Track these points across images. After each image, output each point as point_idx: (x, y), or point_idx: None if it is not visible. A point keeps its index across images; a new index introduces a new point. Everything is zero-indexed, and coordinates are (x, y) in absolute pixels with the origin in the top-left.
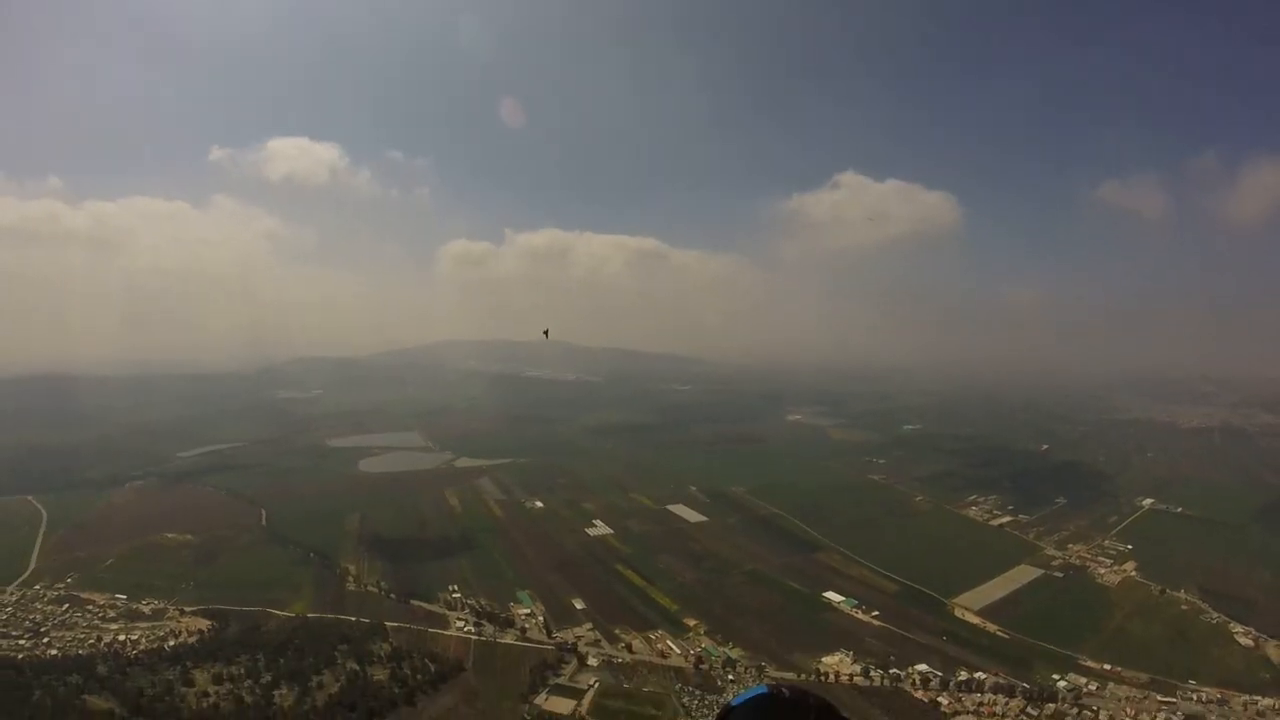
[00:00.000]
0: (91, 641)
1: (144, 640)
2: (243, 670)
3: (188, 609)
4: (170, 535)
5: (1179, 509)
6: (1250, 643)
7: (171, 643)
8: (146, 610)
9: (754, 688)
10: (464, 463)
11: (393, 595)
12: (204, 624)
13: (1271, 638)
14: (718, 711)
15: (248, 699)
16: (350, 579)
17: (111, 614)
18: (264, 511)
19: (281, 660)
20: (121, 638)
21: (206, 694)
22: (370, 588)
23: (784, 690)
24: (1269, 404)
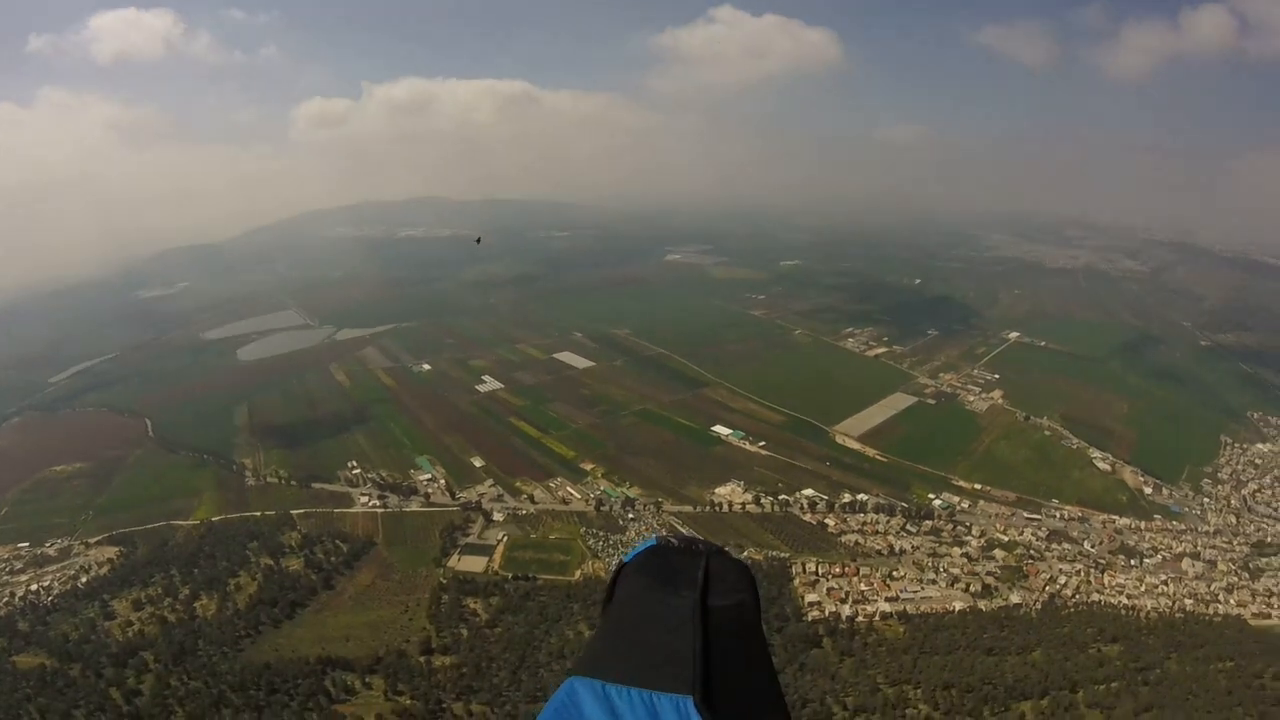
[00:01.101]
0: (5, 599)
1: (56, 584)
2: (160, 590)
3: (93, 540)
4: (59, 468)
5: (1043, 343)
6: (1108, 467)
7: (84, 579)
8: (52, 552)
9: (643, 542)
10: (346, 335)
11: (294, 482)
12: (112, 552)
13: (1127, 464)
14: (611, 571)
15: (171, 617)
16: (249, 474)
17: (18, 565)
18: (149, 422)
19: (195, 571)
20: (34, 586)
21: (130, 623)
22: (270, 479)
23: (672, 540)
24: (1131, 251)
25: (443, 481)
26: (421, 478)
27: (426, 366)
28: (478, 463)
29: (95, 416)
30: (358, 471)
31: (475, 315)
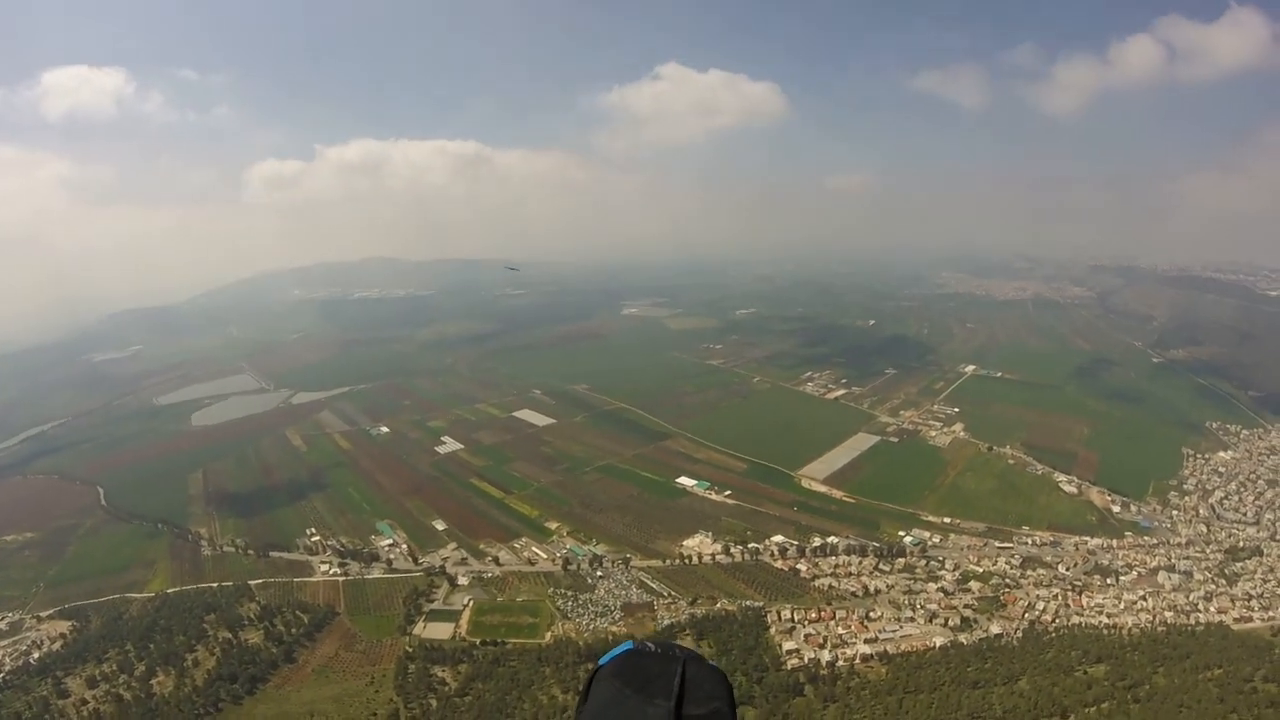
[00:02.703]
0: None
1: (8, 660)
2: (115, 666)
3: (45, 614)
4: (9, 538)
5: (999, 373)
6: (1074, 490)
7: (36, 655)
8: (3, 626)
9: (619, 645)
10: (302, 398)
11: (251, 551)
12: (65, 626)
13: (1093, 484)
14: (588, 674)
15: (126, 695)
16: (204, 543)
17: None
18: (101, 490)
19: (151, 645)
20: None
21: (84, 701)
22: (226, 548)
23: (649, 645)
24: (1078, 278)
25: (405, 546)
26: (383, 543)
27: (384, 429)
28: (440, 526)
29: (46, 484)
30: (317, 539)
31: (432, 375)
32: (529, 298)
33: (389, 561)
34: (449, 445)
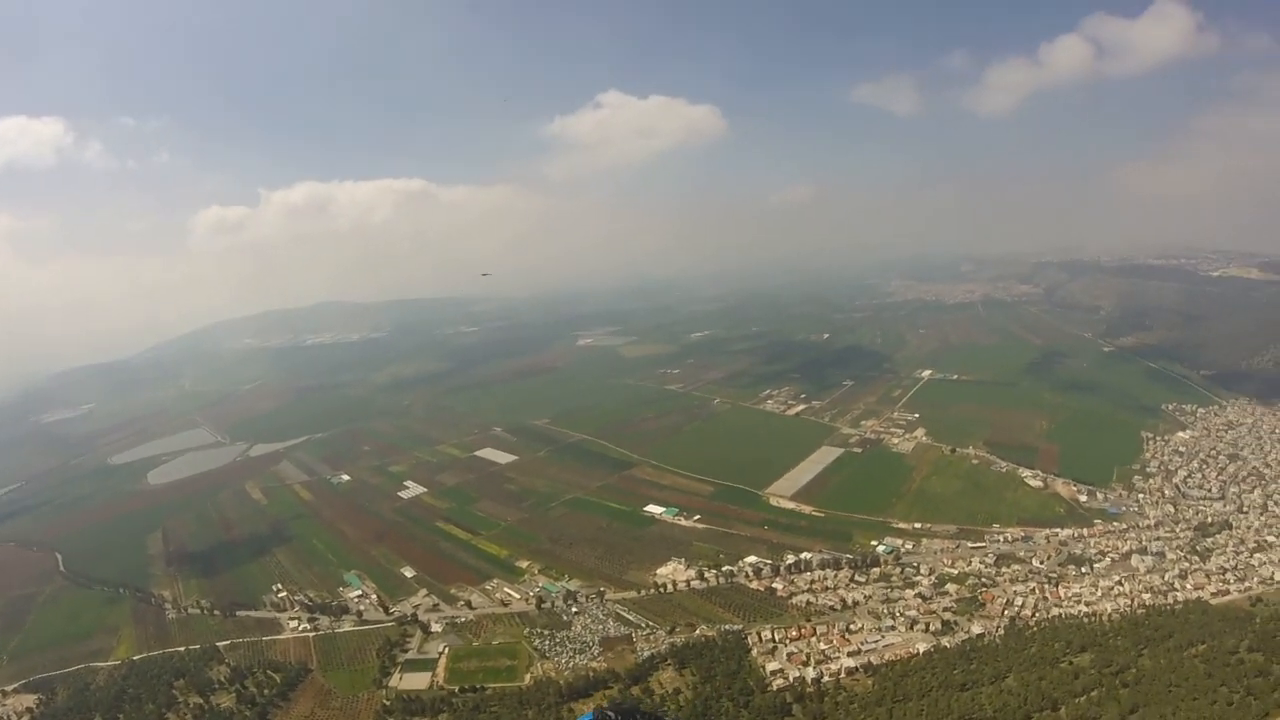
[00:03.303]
0: None
1: None
2: None
3: (9, 688)
4: None
5: (955, 376)
6: (1040, 484)
7: None
8: None
9: (582, 716)
10: (259, 450)
11: (217, 611)
12: (30, 700)
13: (1058, 476)
14: None
15: None
16: (168, 605)
17: None
18: (59, 555)
19: (120, 716)
20: None
21: None
22: (191, 609)
23: (610, 713)
24: (1024, 276)
25: (374, 596)
26: (351, 595)
27: (345, 477)
28: (409, 572)
29: (2, 551)
30: (284, 594)
31: (391, 418)
32: (482, 334)
33: (359, 613)
34: (412, 489)
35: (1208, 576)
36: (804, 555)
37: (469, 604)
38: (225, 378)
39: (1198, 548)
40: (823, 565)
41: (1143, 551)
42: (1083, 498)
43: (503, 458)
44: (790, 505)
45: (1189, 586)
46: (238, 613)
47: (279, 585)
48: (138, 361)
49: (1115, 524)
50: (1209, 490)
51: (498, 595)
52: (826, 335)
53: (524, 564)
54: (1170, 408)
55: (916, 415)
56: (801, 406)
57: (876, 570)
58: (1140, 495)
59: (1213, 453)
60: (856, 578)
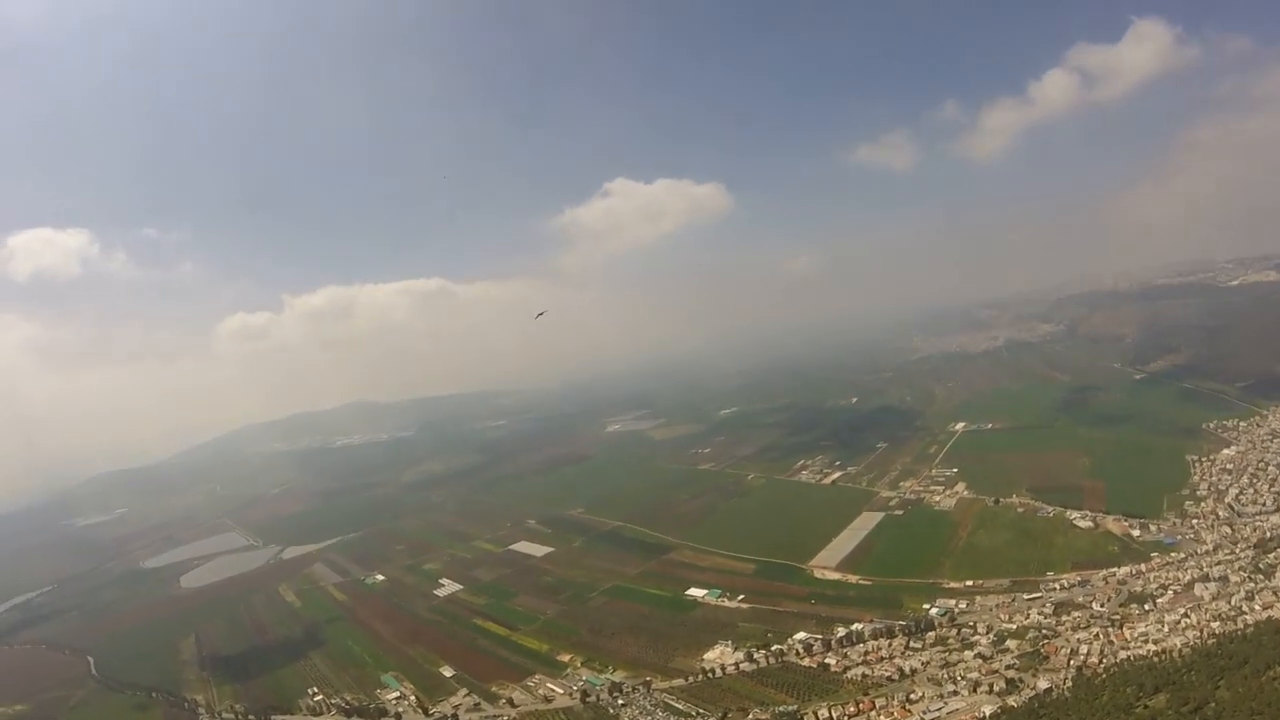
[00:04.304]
0: None
1: None
2: None
3: None
4: None
5: (989, 425)
6: (1090, 524)
7: None
8: None
9: None
10: (292, 552)
11: (251, 716)
12: None
13: (1107, 514)
14: None
15: None
16: (202, 711)
17: None
18: (91, 659)
19: None
20: None
21: None
22: (225, 715)
23: None
24: (1043, 315)
25: (413, 698)
26: (389, 696)
27: (379, 577)
28: (447, 672)
29: (33, 654)
30: (320, 698)
31: (422, 516)
32: (510, 426)
33: (398, 715)
34: (447, 587)
35: (1275, 594)
36: (855, 626)
37: (511, 702)
38: (255, 481)
39: (1260, 565)
40: (875, 635)
41: (1205, 579)
42: (1136, 532)
43: (538, 550)
44: (836, 576)
45: (1257, 607)
46: (273, 717)
47: (315, 688)
48: (167, 467)
49: (1173, 555)
50: (1263, 504)
51: (540, 691)
52: (855, 399)
53: (566, 657)
54: (1211, 426)
55: (955, 470)
56: (837, 474)
57: (931, 634)
58: (1194, 521)
59: (1261, 465)
60: (911, 644)
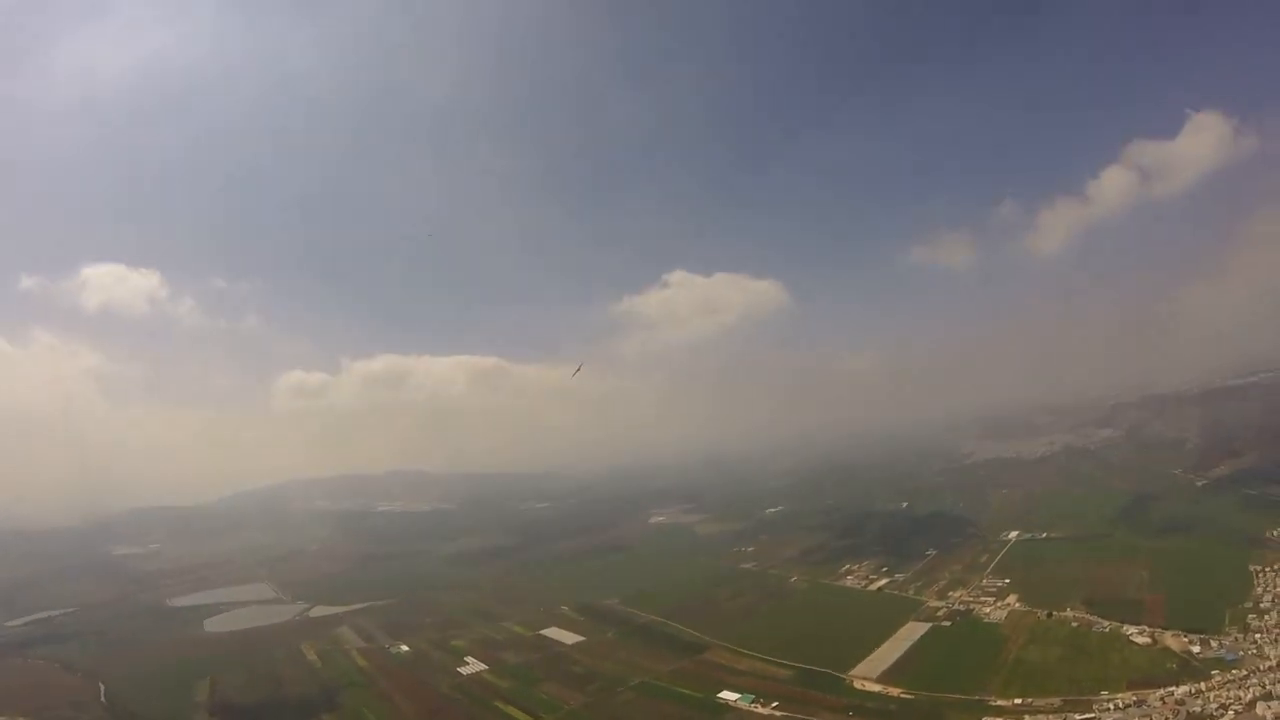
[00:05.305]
0: None
1: None
2: None
3: None
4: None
5: (1044, 534)
6: (1147, 640)
7: None
8: None
9: None
10: (320, 611)
11: None
12: None
13: (1165, 629)
14: None
15: None
16: None
17: None
18: (103, 686)
19: None
20: None
21: None
22: None
23: None
24: (1102, 420)
25: None
26: None
27: (405, 647)
28: None
29: (45, 670)
30: None
31: (456, 591)
32: (554, 509)
33: None
34: (472, 665)
35: None
36: None
37: None
38: (294, 535)
39: None
40: None
41: (1267, 697)
42: (1195, 648)
43: (569, 638)
44: (876, 688)
45: None
46: None
47: None
48: (209, 509)
49: (1234, 672)
50: None
51: None
52: (905, 503)
53: None
54: (1276, 534)
55: (1007, 580)
56: (884, 580)
57: None
58: (1257, 635)
59: None
60: None
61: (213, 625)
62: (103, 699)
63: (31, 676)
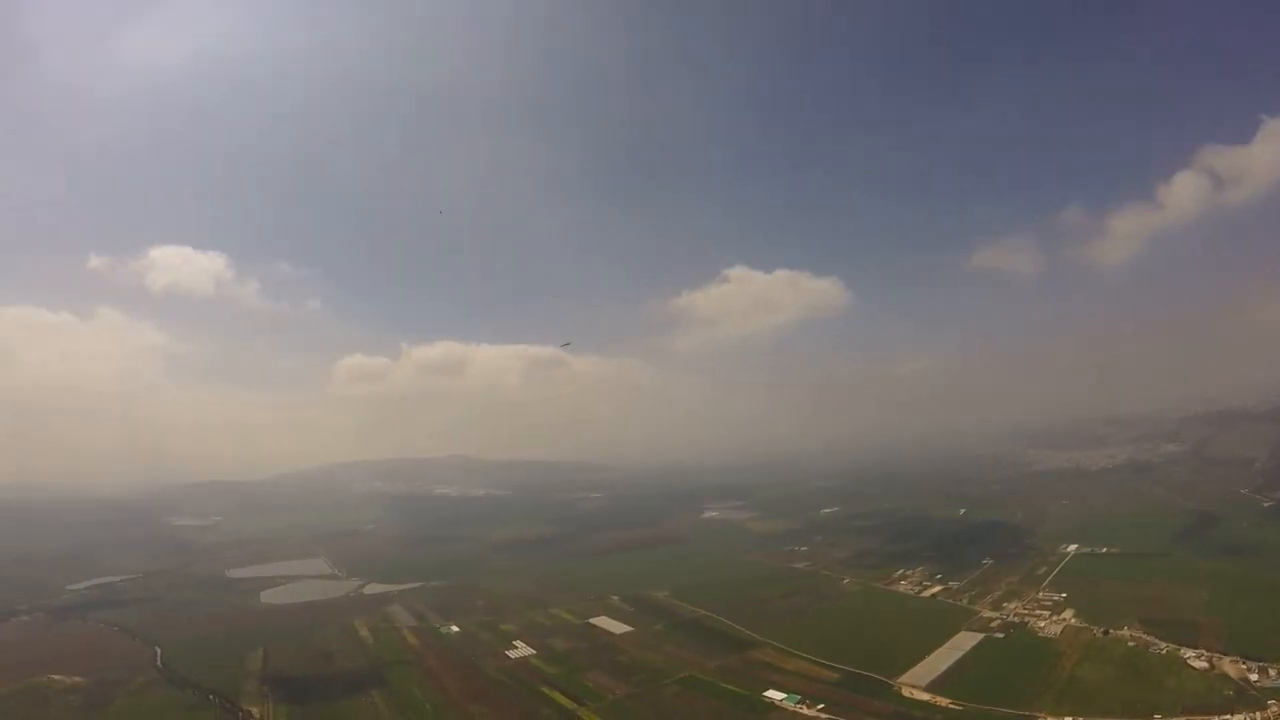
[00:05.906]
0: None
1: None
2: None
3: None
4: (58, 677)
5: (1104, 549)
6: (1205, 664)
7: None
8: None
9: None
10: (373, 589)
11: None
12: None
13: (1223, 655)
14: None
15: None
16: None
17: None
18: (159, 650)
19: None
20: None
21: None
22: None
23: None
24: (1168, 435)
25: None
26: None
27: (454, 628)
28: None
29: (104, 633)
30: None
31: (507, 577)
32: (607, 501)
33: None
34: (520, 650)
35: None
36: None
37: None
38: (350, 515)
39: None
40: None
41: None
42: (1253, 676)
43: (618, 628)
44: (925, 697)
45: None
46: None
47: None
48: (268, 486)
49: None
50: None
51: None
52: (962, 511)
53: None
54: None
55: (1063, 595)
56: (937, 588)
57: None
58: None
59: None
60: None
61: (269, 597)
62: (158, 664)
63: (89, 639)
